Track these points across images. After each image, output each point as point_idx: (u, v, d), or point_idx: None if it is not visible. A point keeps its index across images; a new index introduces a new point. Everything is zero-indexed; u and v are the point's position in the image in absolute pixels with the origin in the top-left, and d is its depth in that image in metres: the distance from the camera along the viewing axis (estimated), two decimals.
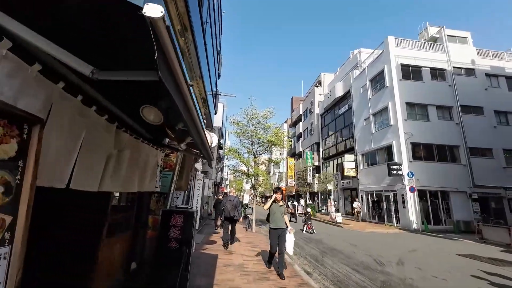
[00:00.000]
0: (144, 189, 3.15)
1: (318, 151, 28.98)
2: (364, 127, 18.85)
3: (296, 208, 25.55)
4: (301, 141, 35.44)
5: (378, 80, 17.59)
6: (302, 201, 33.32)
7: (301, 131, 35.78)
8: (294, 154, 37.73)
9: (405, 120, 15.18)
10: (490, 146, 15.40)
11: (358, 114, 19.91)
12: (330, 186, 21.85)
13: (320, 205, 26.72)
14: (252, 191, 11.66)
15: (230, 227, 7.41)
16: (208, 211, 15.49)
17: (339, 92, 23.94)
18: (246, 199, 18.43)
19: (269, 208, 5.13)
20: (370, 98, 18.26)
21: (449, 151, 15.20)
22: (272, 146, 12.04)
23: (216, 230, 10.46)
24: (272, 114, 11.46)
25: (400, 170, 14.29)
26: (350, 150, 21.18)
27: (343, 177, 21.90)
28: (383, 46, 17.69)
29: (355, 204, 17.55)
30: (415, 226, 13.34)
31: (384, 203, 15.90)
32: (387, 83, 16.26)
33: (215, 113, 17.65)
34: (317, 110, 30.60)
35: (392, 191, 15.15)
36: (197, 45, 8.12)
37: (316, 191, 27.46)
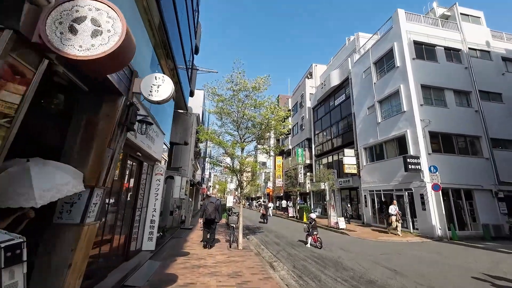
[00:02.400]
0: None
1: (310, 147, 26.38)
2: (367, 117, 16.35)
3: (268, 209, 23.01)
4: (290, 137, 32.77)
5: (385, 61, 15.15)
6: (284, 202, 30.63)
7: (290, 127, 33.04)
8: (283, 152, 34.94)
9: (421, 105, 12.76)
10: None
11: (359, 103, 17.41)
12: (324, 186, 19.18)
13: (312, 207, 23.96)
14: (237, 192, 8.39)
15: (210, 229, 7.55)
16: (180, 218, 11.97)
17: (335, 81, 21.45)
18: (229, 201, 15.06)
19: None
20: (375, 83, 15.80)
21: (469, 142, 13.00)
22: (266, 131, 8.90)
23: (184, 250, 7.08)
24: (268, 84, 8.30)
25: (419, 164, 11.79)
26: (349, 145, 18.65)
27: (341, 175, 19.34)
28: (389, 23, 15.33)
29: (392, 209, 11.69)
30: (439, 232, 10.82)
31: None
32: (398, 63, 13.82)
33: (191, 94, 14.18)
34: (309, 104, 28.09)
35: (406, 190, 12.62)
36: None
37: (308, 191, 24.80)
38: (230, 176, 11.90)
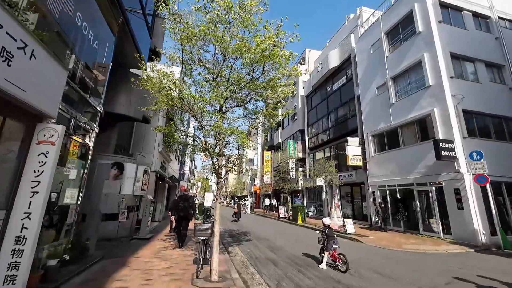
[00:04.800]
0: None
1: (303, 140, 23.58)
2: (377, 98, 13.66)
3: (243, 207, 21.34)
4: (280, 130, 29.79)
5: (401, 29, 12.49)
6: (267, 200, 27.75)
7: (280, 118, 30.07)
8: (272, 147, 31.97)
9: (451, 77, 10.18)
10: None
11: (366, 83, 14.71)
12: (322, 181, 16.40)
13: (306, 206, 21.11)
14: (219, 189, 4.91)
15: (182, 226, 6.97)
16: (132, 226, 8.45)
17: (334, 62, 18.73)
18: (208, 200, 11.74)
19: None
20: (387, 57, 13.12)
21: (506, 125, 10.61)
22: (257, 90, 5.66)
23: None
24: (264, 9, 5.09)
25: (453, 150, 9.16)
26: (349, 134, 15.95)
27: (341, 169, 16.63)
28: None
29: None
30: (482, 238, 8.23)
31: (417, 202, 10.69)
32: (420, 28, 11.18)
33: (156, 54, 10.60)
34: (302, 92, 25.28)
35: (433, 184, 9.96)
36: None
37: (300, 188, 21.95)
38: (210, 166, 8.43)
